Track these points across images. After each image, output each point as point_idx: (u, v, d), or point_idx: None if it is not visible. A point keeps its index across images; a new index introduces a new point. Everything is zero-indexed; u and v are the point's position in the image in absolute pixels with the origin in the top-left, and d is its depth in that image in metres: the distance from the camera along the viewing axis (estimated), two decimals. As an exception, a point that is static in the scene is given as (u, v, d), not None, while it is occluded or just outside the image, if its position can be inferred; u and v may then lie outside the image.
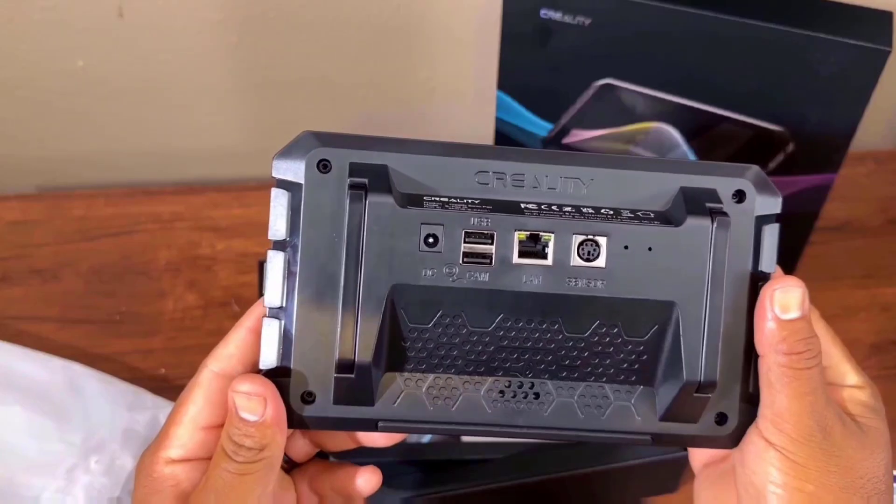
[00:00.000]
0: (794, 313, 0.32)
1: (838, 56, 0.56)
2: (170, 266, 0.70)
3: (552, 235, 0.31)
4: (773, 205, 0.34)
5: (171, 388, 0.59)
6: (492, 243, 0.31)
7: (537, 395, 0.33)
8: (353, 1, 0.75)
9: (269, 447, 0.31)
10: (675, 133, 0.64)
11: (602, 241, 0.31)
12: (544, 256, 0.31)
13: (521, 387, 0.33)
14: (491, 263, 0.31)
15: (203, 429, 0.33)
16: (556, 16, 0.62)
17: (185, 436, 0.33)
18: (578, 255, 0.31)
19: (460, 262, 0.31)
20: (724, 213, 0.32)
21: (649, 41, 0.60)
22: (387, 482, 0.44)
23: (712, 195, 0.33)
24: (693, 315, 0.32)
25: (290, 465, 0.38)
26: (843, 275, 0.70)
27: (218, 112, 0.81)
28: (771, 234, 0.34)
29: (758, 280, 0.34)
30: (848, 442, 0.32)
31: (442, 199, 0.31)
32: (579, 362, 0.33)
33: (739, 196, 0.34)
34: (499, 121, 0.70)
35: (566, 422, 0.33)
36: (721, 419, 0.34)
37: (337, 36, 0.77)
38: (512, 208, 0.31)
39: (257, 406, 0.30)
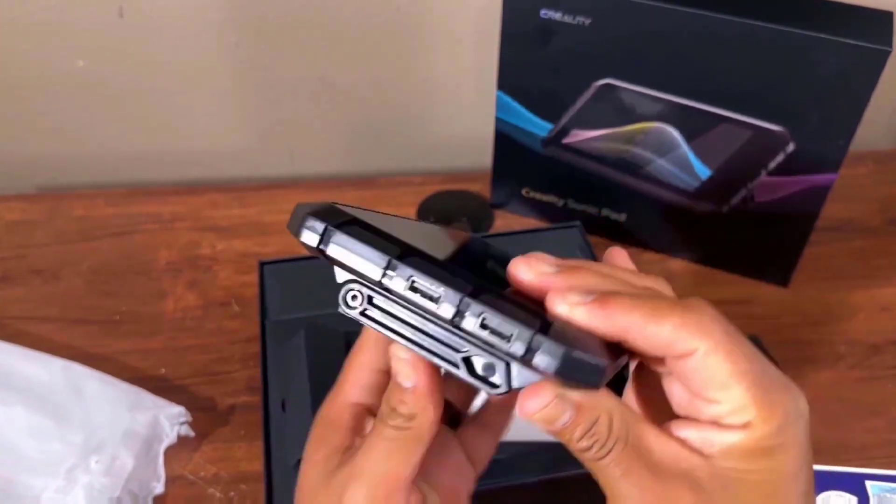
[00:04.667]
0: (557, 425, 0.28)
1: (838, 56, 0.56)
2: (170, 266, 0.70)
3: None
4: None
5: (171, 388, 0.59)
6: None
7: None
8: (353, 1, 0.75)
9: (419, 417, 0.31)
10: (674, 133, 0.64)
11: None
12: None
13: None
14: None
15: (377, 371, 0.34)
16: (556, 16, 0.62)
17: (363, 378, 0.34)
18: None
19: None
20: None
21: (649, 41, 0.60)
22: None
23: None
24: None
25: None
26: (843, 275, 0.70)
27: (218, 112, 0.81)
28: None
29: None
30: None
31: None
32: None
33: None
34: (499, 121, 0.70)
35: None
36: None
37: (337, 36, 0.77)
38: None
39: (411, 373, 0.30)
